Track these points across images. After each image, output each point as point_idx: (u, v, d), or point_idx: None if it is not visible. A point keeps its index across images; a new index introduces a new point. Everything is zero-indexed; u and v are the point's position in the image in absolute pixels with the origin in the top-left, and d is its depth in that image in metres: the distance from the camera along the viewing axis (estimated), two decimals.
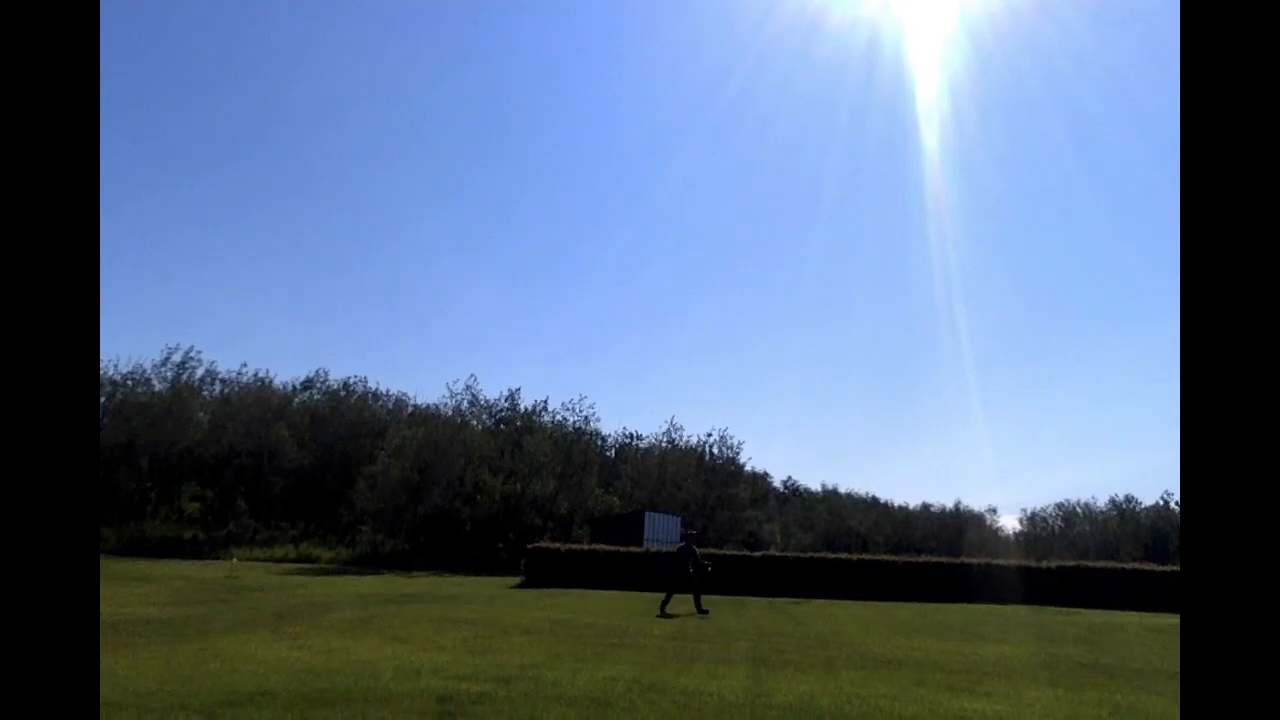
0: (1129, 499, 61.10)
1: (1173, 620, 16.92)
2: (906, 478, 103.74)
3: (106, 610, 11.96)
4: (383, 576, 28.29)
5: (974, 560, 27.28)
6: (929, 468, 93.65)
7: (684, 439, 53.95)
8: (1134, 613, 20.64)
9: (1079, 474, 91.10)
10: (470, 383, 45.94)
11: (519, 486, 39.66)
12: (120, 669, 7.51)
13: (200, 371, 46.58)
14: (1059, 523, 65.51)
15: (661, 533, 35.35)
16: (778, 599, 21.04)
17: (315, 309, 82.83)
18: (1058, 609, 21.58)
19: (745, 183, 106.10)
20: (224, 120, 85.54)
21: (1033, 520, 67.37)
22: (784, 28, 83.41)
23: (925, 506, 72.25)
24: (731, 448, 54.91)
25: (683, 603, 16.57)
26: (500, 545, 37.19)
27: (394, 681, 7.18)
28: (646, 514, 35.82)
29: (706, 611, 15.80)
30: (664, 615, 15.14)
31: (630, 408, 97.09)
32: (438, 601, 16.69)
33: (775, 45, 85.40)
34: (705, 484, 51.13)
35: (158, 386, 43.90)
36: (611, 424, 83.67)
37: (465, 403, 45.34)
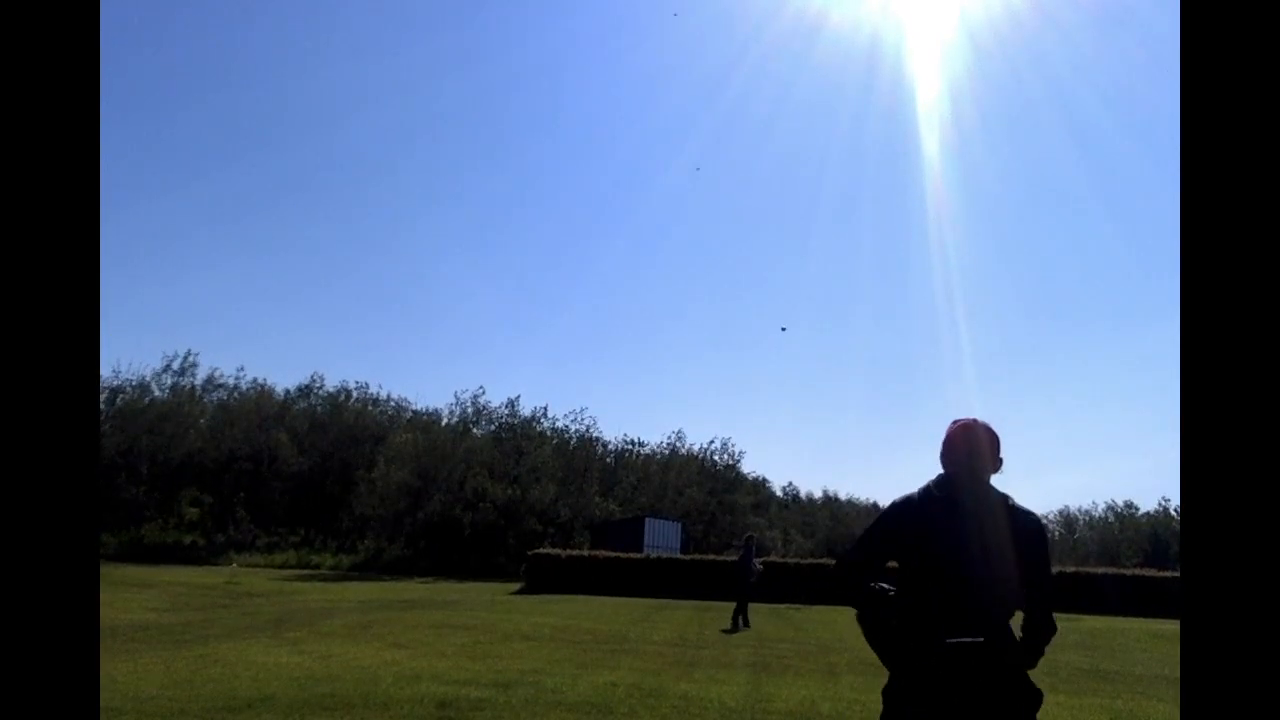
0: (1129, 504, 60.96)
1: (1173, 626, 16.87)
2: (907, 483, 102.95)
3: (106, 616, 11.93)
4: (383, 582, 28.24)
5: None
6: (930, 473, 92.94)
7: (685, 445, 54.14)
8: (1134, 618, 20.59)
9: (1079, 479, 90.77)
10: (478, 393, 45.93)
11: (519, 492, 39.63)
12: (120, 675, 7.49)
13: (200, 377, 46.68)
14: (1059, 528, 65.37)
15: (662, 539, 35.22)
16: (778, 605, 20.99)
17: (315, 313, 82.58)
18: (1057, 614, 21.50)
19: (745, 187, 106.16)
20: (223, 124, 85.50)
21: None
22: (784, 32, 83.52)
23: None
24: (732, 454, 55.05)
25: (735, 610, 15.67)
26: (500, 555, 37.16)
27: (394, 687, 7.16)
28: (647, 520, 35.71)
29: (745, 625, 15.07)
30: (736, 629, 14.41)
31: (630, 413, 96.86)
32: (438, 607, 16.64)
33: (775, 49, 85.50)
34: (706, 490, 51.16)
35: (157, 392, 43.96)
36: (612, 429, 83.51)
37: (467, 408, 45.40)
